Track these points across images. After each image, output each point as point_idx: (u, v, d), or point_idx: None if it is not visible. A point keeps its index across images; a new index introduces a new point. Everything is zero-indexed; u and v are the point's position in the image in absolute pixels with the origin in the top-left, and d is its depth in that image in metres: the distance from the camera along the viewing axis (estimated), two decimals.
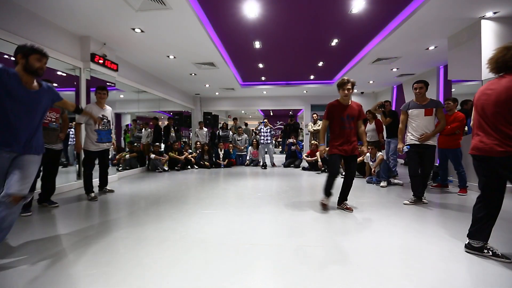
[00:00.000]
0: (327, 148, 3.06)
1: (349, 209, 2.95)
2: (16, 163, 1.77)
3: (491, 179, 1.79)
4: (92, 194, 3.57)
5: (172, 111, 9.24)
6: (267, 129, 7.40)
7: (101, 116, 3.58)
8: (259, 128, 7.58)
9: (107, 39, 4.68)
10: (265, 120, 7.53)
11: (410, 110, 3.29)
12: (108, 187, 4.03)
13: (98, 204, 3.35)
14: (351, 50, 5.88)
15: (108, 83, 5.00)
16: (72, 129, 4.81)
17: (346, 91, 2.86)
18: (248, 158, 7.91)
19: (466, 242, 1.93)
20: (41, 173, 3.06)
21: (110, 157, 4.31)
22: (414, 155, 3.22)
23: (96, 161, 3.78)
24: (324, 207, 3.01)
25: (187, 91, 9.81)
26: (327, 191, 3.00)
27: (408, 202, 3.25)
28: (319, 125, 7.43)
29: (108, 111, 3.76)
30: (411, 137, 3.25)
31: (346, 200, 3.07)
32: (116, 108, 7.24)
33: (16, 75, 1.76)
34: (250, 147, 7.93)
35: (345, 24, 4.52)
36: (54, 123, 3.06)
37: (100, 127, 3.56)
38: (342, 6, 3.91)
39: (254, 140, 7.82)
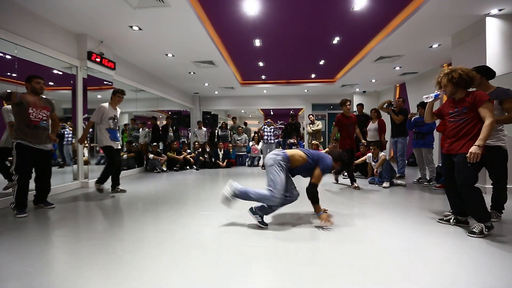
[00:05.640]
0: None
1: None
2: None
3: None
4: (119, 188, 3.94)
5: (170, 110, 9.15)
6: (270, 128, 7.27)
7: (113, 116, 3.80)
8: (262, 129, 7.38)
9: (104, 37, 4.60)
10: (269, 120, 7.38)
11: None
12: (120, 187, 4.00)
13: (95, 205, 3.28)
14: (353, 48, 5.82)
15: (105, 82, 4.93)
16: (66, 129, 4.78)
17: None
18: (247, 159, 7.85)
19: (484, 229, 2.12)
20: (34, 174, 2.99)
21: None
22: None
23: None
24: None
25: (186, 90, 9.73)
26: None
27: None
28: (318, 125, 7.33)
29: (118, 112, 3.97)
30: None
31: None
32: None
33: None
34: (251, 142, 7.88)
35: (347, 22, 4.45)
36: (44, 122, 2.97)
37: (112, 126, 3.77)
38: (344, 3, 3.84)
39: (256, 135, 7.72)
